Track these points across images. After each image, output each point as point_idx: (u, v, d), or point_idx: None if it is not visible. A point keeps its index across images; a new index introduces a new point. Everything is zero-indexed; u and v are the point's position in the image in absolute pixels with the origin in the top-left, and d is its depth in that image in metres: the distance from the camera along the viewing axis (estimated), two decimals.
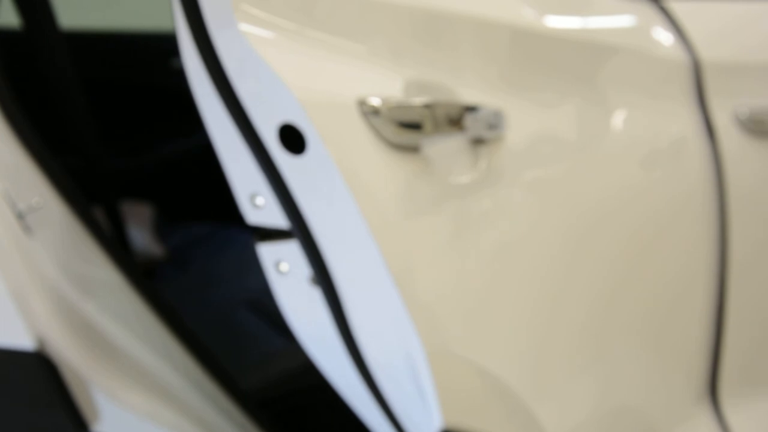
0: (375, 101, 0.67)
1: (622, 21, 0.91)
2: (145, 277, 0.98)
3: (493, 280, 0.78)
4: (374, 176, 0.68)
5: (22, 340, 0.84)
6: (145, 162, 1.96)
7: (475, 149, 0.77)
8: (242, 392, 1.07)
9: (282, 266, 0.74)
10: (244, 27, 0.63)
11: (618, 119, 0.86)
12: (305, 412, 1.22)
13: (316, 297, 0.73)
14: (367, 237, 0.66)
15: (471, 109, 0.73)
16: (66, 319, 0.88)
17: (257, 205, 0.71)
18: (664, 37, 0.91)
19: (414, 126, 0.69)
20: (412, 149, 0.71)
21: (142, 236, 1.75)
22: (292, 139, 0.66)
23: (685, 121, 0.89)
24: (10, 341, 0.85)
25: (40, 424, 0.93)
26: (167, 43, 1.86)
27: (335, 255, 0.70)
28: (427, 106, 0.69)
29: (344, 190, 0.65)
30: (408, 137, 0.69)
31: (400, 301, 0.68)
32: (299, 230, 0.69)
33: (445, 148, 0.74)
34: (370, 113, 0.67)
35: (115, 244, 0.95)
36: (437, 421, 0.73)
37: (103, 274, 0.93)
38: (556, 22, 0.84)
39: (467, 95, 0.76)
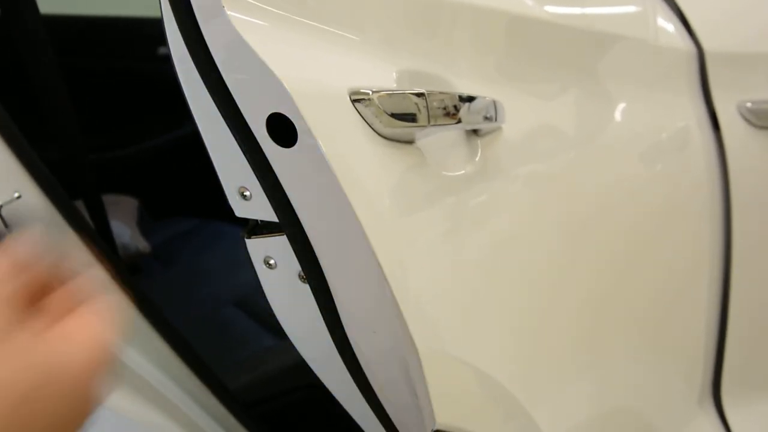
0: (367, 91, 0.65)
1: (623, 9, 0.90)
2: (129, 273, 0.96)
3: (489, 277, 0.76)
4: (366, 169, 0.66)
5: None
6: (130, 154, 1.93)
7: (471, 141, 0.76)
8: (229, 392, 1.05)
9: (270, 261, 0.72)
10: (233, 14, 0.61)
11: (619, 111, 0.85)
12: (295, 412, 1.21)
13: (305, 293, 0.72)
14: (358, 232, 0.65)
15: (467, 99, 0.71)
16: None
17: (245, 198, 0.69)
18: (666, 25, 0.90)
19: (407, 117, 0.67)
20: (406, 141, 0.69)
21: (125, 230, 1.72)
22: (282, 131, 0.64)
23: (689, 113, 0.88)
24: None
25: None
26: (153, 30, 1.83)
27: (326, 250, 0.68)
28: (421, 97, 0.67)
29: (335, 184, 0.63)
30: (401, 128, 0.67)
31: (392, 298, 0.67)
32: (288, 224, 0.67)
33: (439, 140, 0.72)
34: (361, 103, 0.65)
35: (97, 238, 0.93)
36: (430, 422, 0.72)
37: (84, 269, 0.91)
38: (555, 10, 0.83)
39: (463, 86, 0.74)
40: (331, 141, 0.63)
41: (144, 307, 0.96)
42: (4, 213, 0.82)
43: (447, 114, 0.69)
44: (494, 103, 0.74)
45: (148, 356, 0.96)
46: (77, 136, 1.33)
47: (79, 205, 1.37)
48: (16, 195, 0.84)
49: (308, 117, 0.61)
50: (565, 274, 0.84)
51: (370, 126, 0.66)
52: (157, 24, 0.65)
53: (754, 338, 0.98)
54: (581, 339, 0.86)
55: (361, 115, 0.65)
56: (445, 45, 0.75)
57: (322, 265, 0.69)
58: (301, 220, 0.67)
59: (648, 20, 0.90)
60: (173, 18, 0.63)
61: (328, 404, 0.84)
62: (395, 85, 0.69)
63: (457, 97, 0.70)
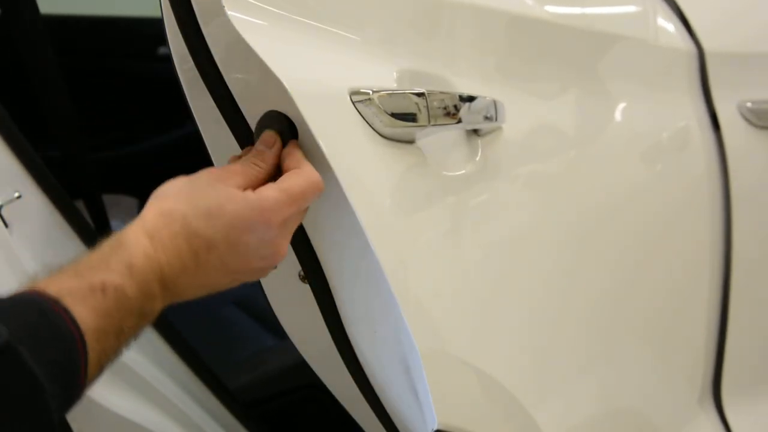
0: (367, 91, 0.65)
1: (623, 9, 0.90)
2: None
3: (490, 278, 0.76)
4: (367, 169, 0.66)
5: None
6: (130, 153, 1.93)
7: (472, 141, 0.76)
8: (229, 391, 1.05)
9: None
10: (233, 14, 0.61)
11: (619, 111, 0.85)
12: (295, 412, 1.21)
13: (305, 293, 0.72)
14: (359, 232, 0.65)
15: (467, 99, 0.71)
16: None
17: None
18: (666, 25, 0.90)
19: (408, 117, 0.67)
20: (406, 141, 0.69)
21: None
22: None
23: (689, 113, 0.88)
24: None
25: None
26: (153, 30, 1.83)
27: (326, 250, 0.68)
28: (421, 96, 0.67)
29: (336, 184, 0.63)
30: (402, 128, 0.67)
31: (393, 298, 0.67)
32: None
33: (440, 140, 0.72)
34: (362, 103, 0.65)
35: (97, 238, 0.93)
36: (431, 422, 0.72)
37: None
38: (555, 9, 0.83)
39: (463, 86, 0.74)
40: (331, 141, 0.63)
41: None
42: (4, 213, 0.82)
43: (447, 114, 0.69)
44: (494, 102, 0.74)
45: (148, 356, 0.96)
46: (77, 135, 1.33)
47: (79, 205, 1.36)
48: (16, 195, 0.84)
49: (308, 117, 0.61)
50: (566, 273, 0.84)
51: (370, 126, 0.66)
52: (157, 24, 0.65)
53: (754, 338, 0.98)
54: (585, 340, 0.86)
55: (361, 114, 0.65)
56: (445, 45, 0.75)
57: (322, 265, 0.69)
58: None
59: (648, 20, 0.90)
60: (173, 18, 0.63)
61: (328, 404, 0.83)
62: (395, 85, 0.69)
63: (458, 97, 0.70)
